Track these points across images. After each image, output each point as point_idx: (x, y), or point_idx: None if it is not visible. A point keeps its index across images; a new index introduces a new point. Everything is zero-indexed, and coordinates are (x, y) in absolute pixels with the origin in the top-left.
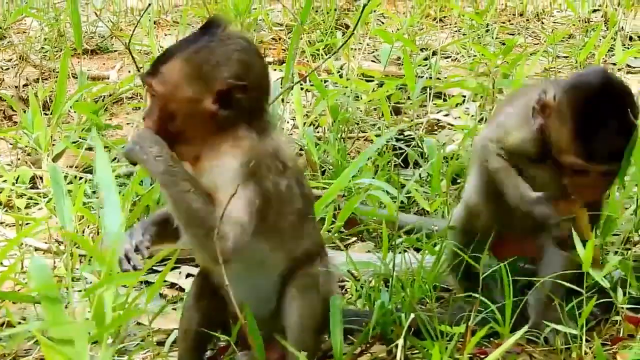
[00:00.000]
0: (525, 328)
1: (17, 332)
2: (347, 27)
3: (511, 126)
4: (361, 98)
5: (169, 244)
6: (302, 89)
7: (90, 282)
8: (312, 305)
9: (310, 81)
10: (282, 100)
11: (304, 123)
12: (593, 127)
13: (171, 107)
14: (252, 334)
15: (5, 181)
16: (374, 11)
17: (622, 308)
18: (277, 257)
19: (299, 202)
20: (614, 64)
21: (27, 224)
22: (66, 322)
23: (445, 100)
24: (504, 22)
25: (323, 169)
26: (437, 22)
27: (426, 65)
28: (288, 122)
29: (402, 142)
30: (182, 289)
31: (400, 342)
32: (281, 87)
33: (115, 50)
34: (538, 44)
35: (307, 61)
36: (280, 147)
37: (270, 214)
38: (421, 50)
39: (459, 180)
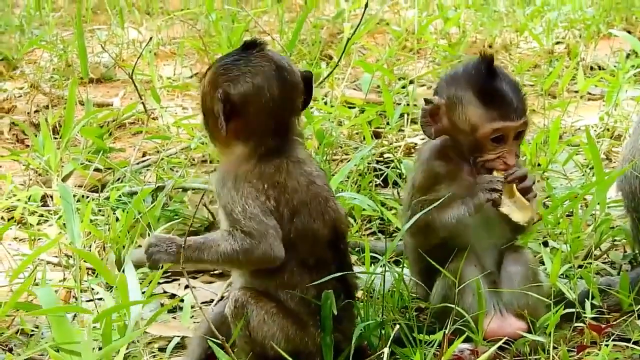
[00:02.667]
0: (503, 340)
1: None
2: (331, 57)
3: (414, 178)
4: (344, 123)
5: None
6: None
7: (97, 293)
8: None
9: None
10: None
11: None
12: (493, 93)
13: (203, 107)
14: None
15: (18, 200)
16: (356, 43)
17: (586, 317)
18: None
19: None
20: (576, 92)
21: (38, 239)
22: (73, 342)
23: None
24: (475, 53)
25: None
26: (413, 54)
27: (404, 93)
28: None
29: (382, 163)
30: (181, 300)
31: (386, 350)
32: None
33: (119, 79)
34: None
35: None
36: (277, 169)
37: None
38: (399, 79)
39: None
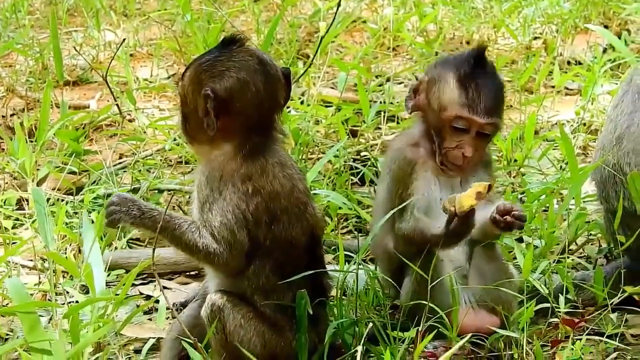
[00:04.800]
0: (469, 336)
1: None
2: (308, 56)
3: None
4: (321, 122)
5: None
6: None
7: (72, 296)
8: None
9: None
10: None
11: None
12: (471, 83)
13: (184, 108)
14: None
15: None
16: (333, 42)
17: (560, 312)
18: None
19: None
20: (553, 87)
21: (13, 243)
22: (43, 339)
23: (398, 122)
24: (452, 50)
25: None
26: (390, 51)
27: (381, 91)
28: None
29: (359, 162)
30: (157, 301)
31: (360, 348)
32: None
33: (95, 81)
34: None
35: None
36: (262, 171)
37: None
38: (376, 77)
39: None
